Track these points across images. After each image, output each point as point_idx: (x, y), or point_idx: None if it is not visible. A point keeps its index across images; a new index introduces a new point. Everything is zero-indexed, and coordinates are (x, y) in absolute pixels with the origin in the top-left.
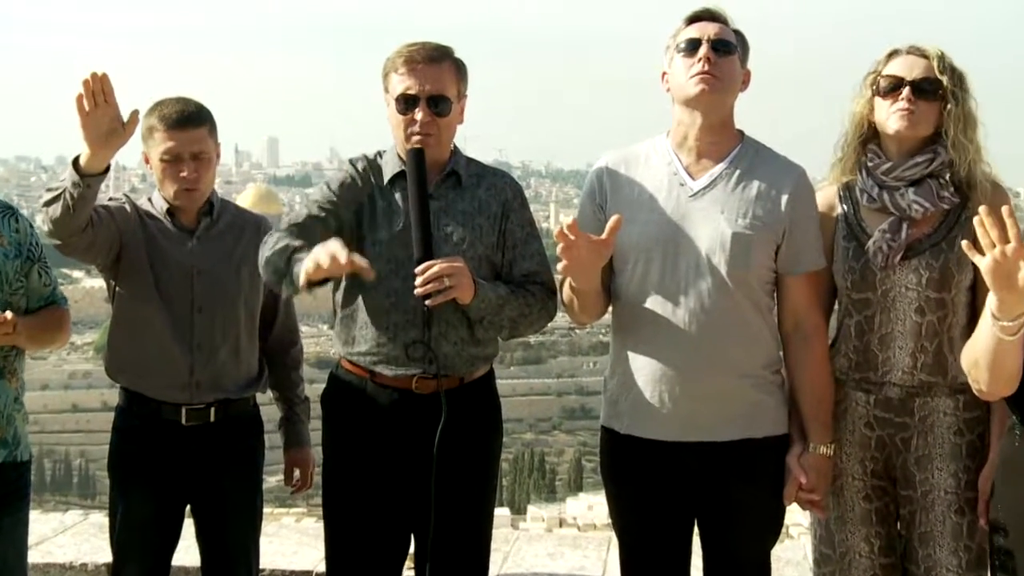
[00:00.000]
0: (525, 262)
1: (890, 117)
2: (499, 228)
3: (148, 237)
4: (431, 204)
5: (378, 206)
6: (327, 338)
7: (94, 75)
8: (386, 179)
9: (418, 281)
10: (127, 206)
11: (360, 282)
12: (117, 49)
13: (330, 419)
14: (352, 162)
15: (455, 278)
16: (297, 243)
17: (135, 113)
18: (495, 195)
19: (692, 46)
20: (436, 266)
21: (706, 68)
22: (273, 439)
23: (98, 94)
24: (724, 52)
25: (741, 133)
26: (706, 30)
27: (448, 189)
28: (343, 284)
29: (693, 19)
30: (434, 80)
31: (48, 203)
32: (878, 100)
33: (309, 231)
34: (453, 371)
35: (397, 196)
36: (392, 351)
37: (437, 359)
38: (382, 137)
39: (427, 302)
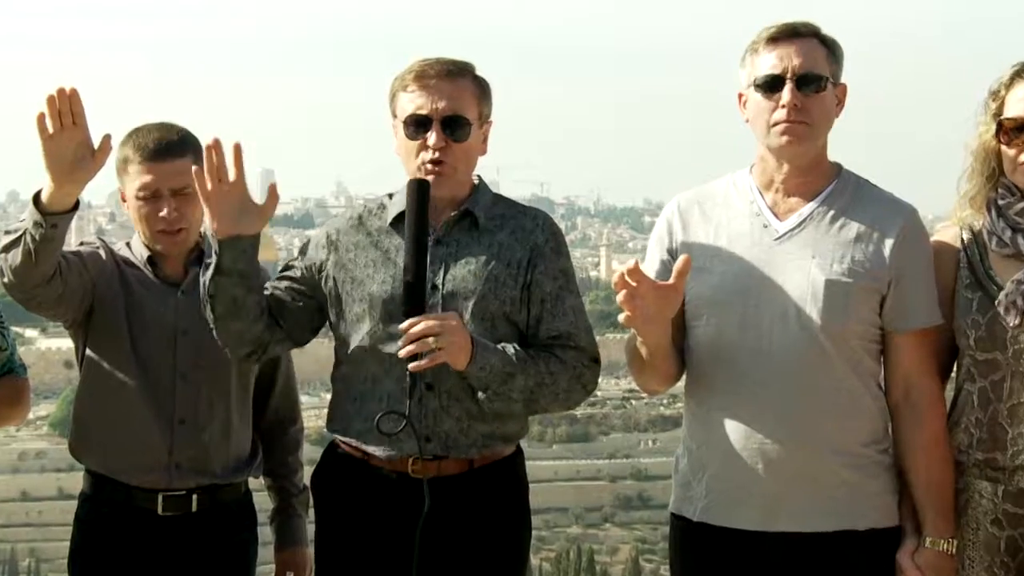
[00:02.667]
0: (556, 321)
1: (1016, 170)
2: (523, 280)
3: (126, 289)
4: (438, 250)
5: (371, 255)
6: None
7: (61, 91)
8: (389, 219)
9: (401, 340)
10: (102, 251)
11: (352, 347)
12: (85, 65)
13: (321, 505)
14: (336, 228)
15: (445, 338)
16: None
17: (107, 138)
18: (521, 239)
19: (773, 85)
20: (422, 323)
21: (791, 117)
22: (266, 533)
23: (65, 114)
24: (813, 88)
25: (838, 166)
26: (789, 59)
27: (461, 232)
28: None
29: (773, 39)
30: (450, 99)
31: (5, 248)
32: (1002, 146)
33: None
34: (456, 452)
35: (397, 240)
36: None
37: (417, 434)
38: (397, 169)
39: (411, 365)
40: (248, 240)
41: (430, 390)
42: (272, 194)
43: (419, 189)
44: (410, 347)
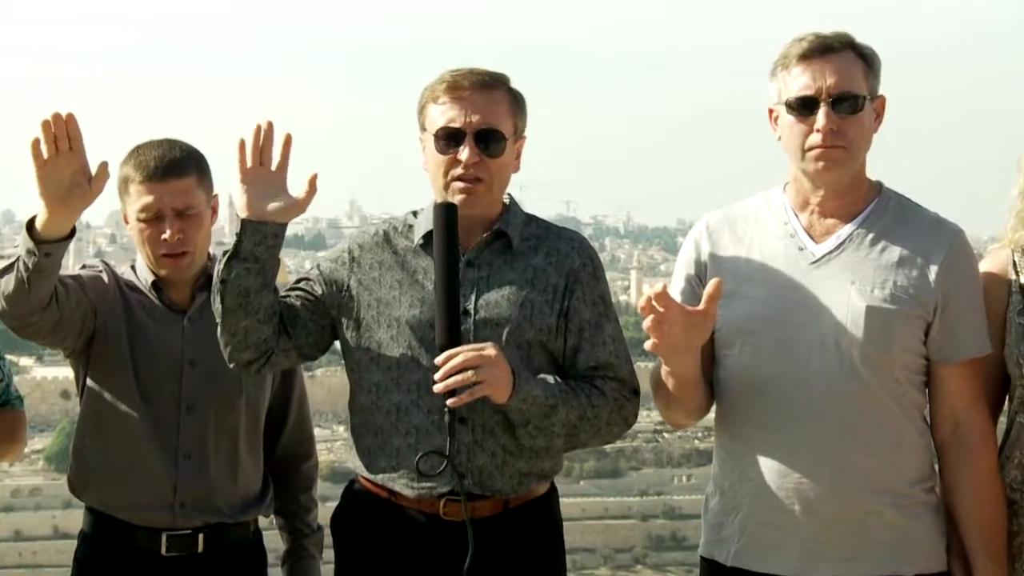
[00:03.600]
0: (595, 351)
1: None
2: (560, 306)
3: (129, 316)
4: (469, 273)
5: (396, 276)
6: (344, 442)
7: (57, 115)
8: (416, 239)
9: (438, 375)
10: (104, 275)
11: (375, 375)
12: (82, 75)
13: (342, 548)
14: (359, 244)
15: (485, 371)
16: None
17: (104, 166)
18: (556, 263)
19: (806, 106)
20: (460, 355)
21: (827, 142)
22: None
23: (61, 139)
24: (849, 109)
25: (878, 185)
26: (823, 78)
27: (494, 255)
28: (353, 377)
29: (805, 56)
30: (484, 111)
31: None
32: None
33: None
34: (492, 491)
35: (425, 262)
36: (411, 464)
37: (461, 474)
38: (416, 188)
39: (449, 401)
40: (274, 228)
41: (463, 423)
42: (311, 186)
43: (446, 213)
44: (448, 381)
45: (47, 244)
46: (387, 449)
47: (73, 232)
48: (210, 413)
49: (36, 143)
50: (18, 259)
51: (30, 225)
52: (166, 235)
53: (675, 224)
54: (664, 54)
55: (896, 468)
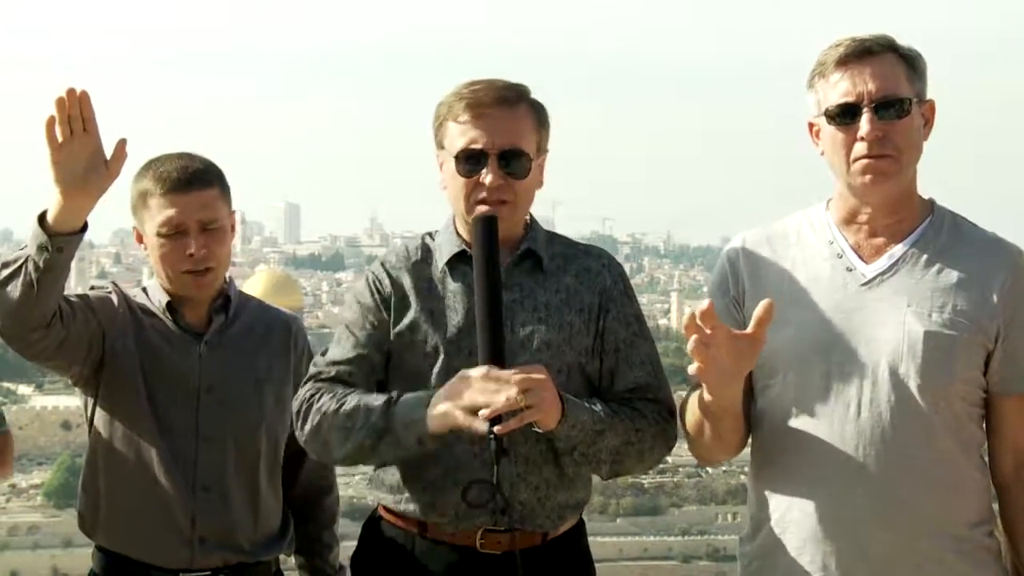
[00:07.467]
0: (633, 372)
1: None
2: (596, 327)
3: (141, 340)
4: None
5: (424, 303)
6: (363, 477)
7: (71, 92)
8: (440, 264)
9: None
10: (114, 297)
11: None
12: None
13: None
14: (382, 263)
15: (534, 395)
16: (376, 396)
17: (122, 144)
18: (589, 282)
19: (847, 114)
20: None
21: (873, 151)
22: None
23: (75, 120)
24: (895, 114)
25: (930, 202)
26: (864, 83)
27: (524, 275)
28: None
29: (843, 61)
30: (507, 130)
31: (3, 283)
32: None
33: (362, 373)
34: (532, 525)
35: (455, 285)
36: (449, 495)
37: (509, 505)
38: (439, 206)
39: (495, 428)
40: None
41: (505, 455)
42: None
43: (487, 226)
44: (496, 405)
45: (59, 238)
46: (422, 481)
47: (86, 227)
48: (229, 443)
49: (51, 124)
50: (25, 260)
51: (42, 219)
52: (191, 250)
53: (719, 243)
54: (712, 63)
55: (956, 509)
